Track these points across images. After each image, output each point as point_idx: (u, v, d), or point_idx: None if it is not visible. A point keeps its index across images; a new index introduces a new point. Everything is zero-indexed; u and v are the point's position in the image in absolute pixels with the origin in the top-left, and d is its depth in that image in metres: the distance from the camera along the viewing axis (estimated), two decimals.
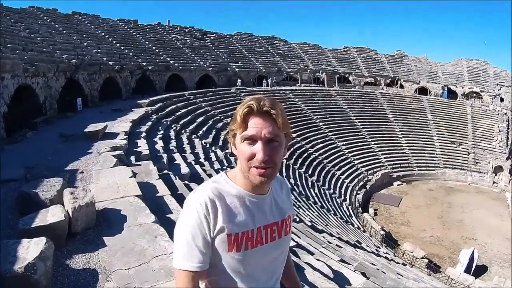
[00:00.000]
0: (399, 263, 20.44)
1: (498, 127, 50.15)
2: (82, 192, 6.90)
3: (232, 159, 23.03)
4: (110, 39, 40.93)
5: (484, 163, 46.56)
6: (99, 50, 35.35)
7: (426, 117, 54.11)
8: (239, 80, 48.03)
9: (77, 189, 7.39)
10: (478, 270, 25.24)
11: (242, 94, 42.96)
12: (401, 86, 63.22)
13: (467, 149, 49.03)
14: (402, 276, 14.17)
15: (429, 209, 35.74)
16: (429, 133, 51.35)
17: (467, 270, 24.02)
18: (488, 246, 29.26)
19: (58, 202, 6.97)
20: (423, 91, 62.08)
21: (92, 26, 42.51)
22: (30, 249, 4.70)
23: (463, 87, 60.73)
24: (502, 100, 54.68)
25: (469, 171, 45.90)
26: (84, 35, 37.85)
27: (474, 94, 59.76)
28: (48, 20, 36.86)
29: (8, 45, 22.19)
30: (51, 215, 6.08)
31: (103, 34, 41.57)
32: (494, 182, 44.00)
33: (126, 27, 48.30)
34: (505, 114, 50.74)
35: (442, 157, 47.51)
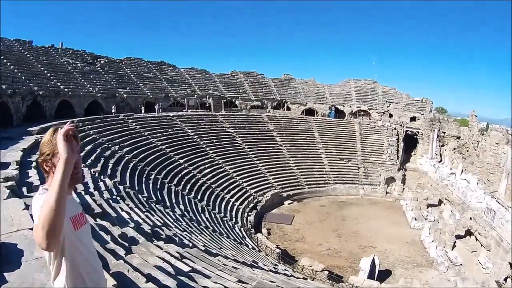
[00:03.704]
0: (300, 278, 20.12)
1: (388, 141, 52.42)
2: None
3: (121, 187, 23.27)
4: (5, 61, 37.94)
5: (375, 176, 47.75)
6: None
7: (313, 137, 54.78)
8: (113, 106, 45.62)
9: None
10: (382, 275, 24.85)
11: (130, 121, 41.36)
12: (288, 108, 63.97)
13: (357, 164, 49.95)
14: None
15: (323, 224, 35.30)
16: (317, 151, 51.91)
17: (371, 276, 23.35)
18: (389, 252, 29.15)
19: None
20: (310, 112, 63.26)
21: None
22: None
23: (350, 106, 63.01)
24: (391, 116, 57.45)
25: (360, 184, 46.66)
26: None
27: (362, 112, 62.20)
28: None
29: None
30: None
31: None
32: (387, 193, 45.40)
33: (21, 48, 45.11)
34: (394, 128, 53.44)
35: (332, 174, 48.01)
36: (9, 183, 12.23)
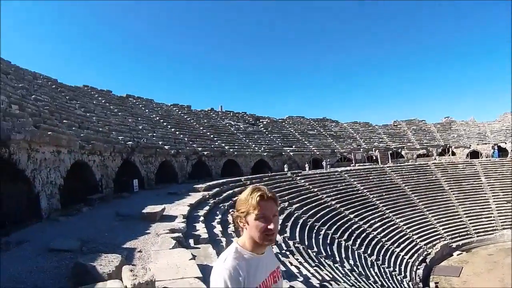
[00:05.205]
0: None
1: None
2: (142, 270, 7.06)
3: (291, 242, 24.28)
4: (165, 124, 43.12)
5: None
6: (154, 134, 36.88)
7: (480, 181, 53.74)
8: (285, 166, 48.83)
9: (136, 267, 7.75)
10: None
11: (298, 178, 43.78)
12: (453, 153, 63.89)
13: None
14: None
15: (490, 274, 35.44)
16: (485, 196, 50.70)
17: None
18: None
19: (116, 277, 7.20)
20: (475, 154, 62.42)
21: (147, 110, 44.97)
22: None
23: None
24: None
25: None
26: (139, 118, 39.78)
27: None
28: (103, 101, 39.02)
29: (64, 121, 22.76)
30: None
31: (157, 118, 43.87)
32: None
33: (180, 112, 50.92)
34: None
35: (500, 219, 46.58)
36: (176, 234, 12.32)
